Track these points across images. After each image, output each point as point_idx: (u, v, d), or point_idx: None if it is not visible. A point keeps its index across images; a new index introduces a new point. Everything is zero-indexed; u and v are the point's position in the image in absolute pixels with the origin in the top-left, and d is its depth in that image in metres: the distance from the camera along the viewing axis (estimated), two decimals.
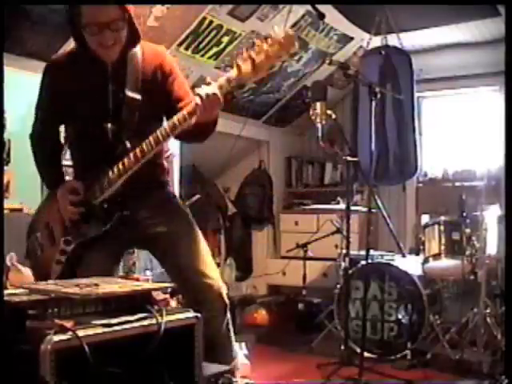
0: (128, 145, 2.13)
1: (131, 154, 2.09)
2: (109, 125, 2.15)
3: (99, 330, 1.40)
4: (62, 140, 2.42)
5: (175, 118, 2.04)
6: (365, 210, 4.07)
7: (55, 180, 2.27)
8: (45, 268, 2.24)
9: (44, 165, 2.30)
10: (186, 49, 4.08)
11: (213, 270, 2.22)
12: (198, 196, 4.36)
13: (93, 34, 2.04)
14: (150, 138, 2.06)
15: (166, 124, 2.09)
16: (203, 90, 1.98)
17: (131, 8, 2.13)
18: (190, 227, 2.27)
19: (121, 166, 2.09)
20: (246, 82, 2.03)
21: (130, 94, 2.15)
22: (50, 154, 2.30)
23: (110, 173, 2.11)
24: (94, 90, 2.15)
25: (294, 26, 4.50)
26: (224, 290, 2.21)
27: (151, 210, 2.24)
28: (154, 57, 2.23)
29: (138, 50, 2.20)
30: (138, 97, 2.16)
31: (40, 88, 2.26)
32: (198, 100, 1.98)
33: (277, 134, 5.78)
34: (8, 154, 3.62)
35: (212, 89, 1.99)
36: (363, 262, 3.91)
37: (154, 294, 1.67)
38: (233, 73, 1.99)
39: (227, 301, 2.22)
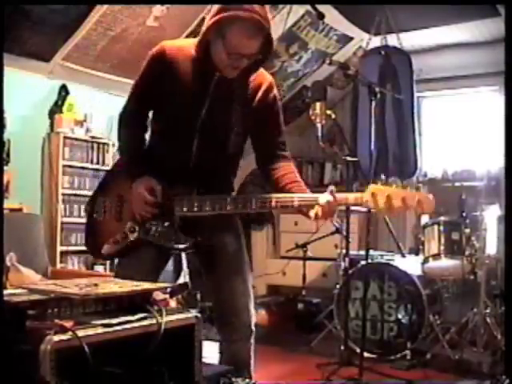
0: (221, 175, 2.14)
1: (232, 201, 2.03)
2: (196, 140, 2.10)
3: (99, 330, 1.40)
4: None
5: (293, 201, 2.01)
6: (365, 210, 4.07)
7: (135, 157, 2.20)
8: (100, 236, 2.23)
9: (127, 143, 2.23)
10: None
11: (251, 297, 2.27)
12: None
13: (231, 59, 1.99)
14: (257, 202, 2.01)
15: (278, 197, 2.02)
16: (324, 199, 1.97)
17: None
18: (244, 247, 2.28)
19: (218, 204, 2.03)
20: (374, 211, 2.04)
21: (232, 122, 2.10)
22: (134, 134, 2.24)
23: (206, 201, 2.05)
24: (192, 95, 2.08)
25: (293, 25, 4.50)
26: (254, 319, 2.28)
27: (219, 228, 2.21)
28: (261, 83, 2.15)
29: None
30: (239, 128, 2.12)
31: (143, 69, 2.14)
32: (316, 210, 1.97)
33: None
34: (8, 154, 3.63)
35: (331, 200, 1.97)
36: (363, 262, 3.90)
37: (154, 294, 1.67)
38: (366, 197, 1.95)
39: (254, 328, 2.28)
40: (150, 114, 2.26)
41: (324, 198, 1.98)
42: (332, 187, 2.01)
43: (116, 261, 2.38)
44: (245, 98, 2.12)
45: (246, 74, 2.10)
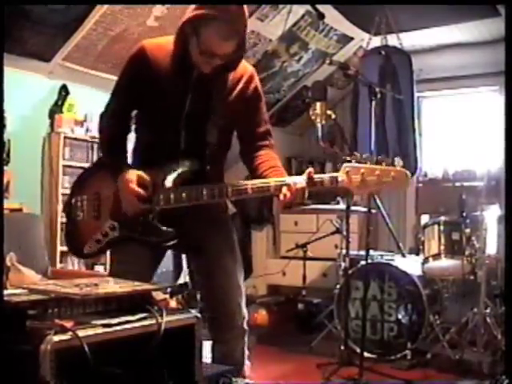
0: (208, 168, 2.11)
1: (208, 191, 2.02)
2: (183, 134, 2.11)
3: (99, 330, 1.40)
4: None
5: (269, 186, 1.99)
6: (365, 210, 4.07)
7: (119, 154, 2.19)
8: (80, 236, 2.22)
9: (110, 142, 2.21)
10: None
11: (242, 296, 2.24)
12: None
13: (203, 57, 1.99)
14: (232, 188, 2.01)
15: (253, 183, 2.02)
16: (294, 181, 1.96)
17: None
18: (236, 248, 2.26)
19: (194, 194, 2.03)
20: (349, 192, 2.03)
21: (215, 114, 2.11)
22: (117, 134, 2.22)
23: (182, 192, 2.04)
24: (175, 90, 2.09)
25: (293, 26, 4.50)
26: (246, 318, 2.24)
27: (203, 222, 2.19)
28: (242, 74, 2.16)
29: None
30: (222, 120, 2.12)
31: (124, 67, 2.16)
32: (285, 191, 1.95)
33: (277, 133, 5.71)
34: (8, 154, 3.62)
35: (302, 182, 1.97)
36: (363, 262, 3.90)
37: (154, 294, 1.67)
38: (342, 177, 1.96)
39: (246, 327, 2.24)
40: (133, 113, 2.26)
41: (292, 179, 1.98)
42: (311, 169, 2.01)
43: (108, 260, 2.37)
44: (226, 89, 2.12)
45: (224, 71, 2.10)
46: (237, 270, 2.24)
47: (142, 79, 2.10)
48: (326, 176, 2.01)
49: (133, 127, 2.28)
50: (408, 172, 1.99)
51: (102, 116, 2.27)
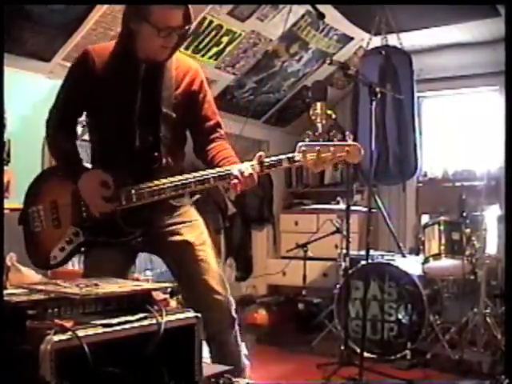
0: (164, 162, 2.13)
1: (170, 184, 2.05)
2: (137, 131, 2.13)
3: (99, 330, 1.40)
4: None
5: (215, 174, 2.06)
6: (365, 210, 4.07)
7: (74, 158, 2.19)
8: (42, 248, 2.21)
9: (61, 148, 2.22)
10: (186, 49, 4.08)
11: (223, 285, 2.23)
12: (197, 196, 4.36)
13: (162, 36, 2.03)
14: (194, 178, 2.05)
15: (214, 172, 2.07)
16: (240, 169, 2.02)
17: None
18: (204, 239, 2.26)
19: (156, 188, 2.05)
20: (306, 168, 2.12)
21: (165, 107, 2.14)
22: (67, 139, 2.22)
23: (143, 188, 2.06)
24: (124, 89, 2.12)
25: (294, 25, 4.50)
26: (233, 306, 2.23)
27: (170, 219, 2.22)
28: (187, 70, 2.21)
29: (173, 58, 2.19)
30: (173, 114, 2.15)
31: (68, 73, 2.20)
32: (234, 181, 2.01)
33: (277, 133, 5.78)
34: (8, 154, 3.62)
35: (248, 169, 2.02)
36: (363, 262, 3.90)
37: (154, 294, 1.67)
38: (298, 156, 2.04)
39: (235, 315, 2.24)
40: (83, 117, 2.28)
41: (237, 167, 2.03)
42: (261, 153, 2.07)
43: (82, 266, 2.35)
44: (173, 84, 2.16)
45: (171, 54, 2.14)
46: (212, 260, 2.23)
47: (88, 81, 2.12)
48: (283, 156, 2.07)
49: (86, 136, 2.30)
50: (359, 146, 2.08)
51: (48, 121, 2.25)
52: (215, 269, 2.22)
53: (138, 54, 2.12)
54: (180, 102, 2.17)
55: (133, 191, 2.07)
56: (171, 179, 2.07)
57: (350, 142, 2.12)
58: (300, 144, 2.05)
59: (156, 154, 2.12)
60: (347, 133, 2.15)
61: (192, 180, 2.05)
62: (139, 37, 2.07)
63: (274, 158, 2.06)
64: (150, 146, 2.13)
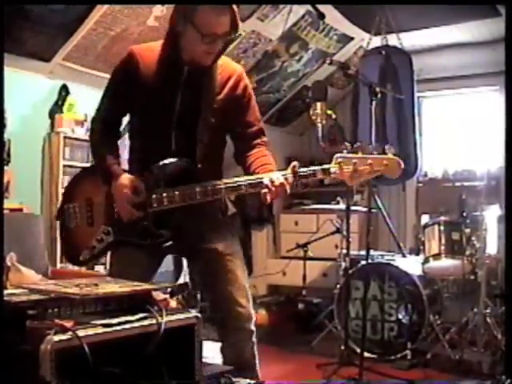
0: (199, 166, 2.09)
1: (201, 189, 2.02)
2: (174, 134, 2.11)
3: (99, 330, 1.40)
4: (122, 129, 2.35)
5: (250, 182, 2.01)
6: (365, 210, 4.07)
7: (111, 159, 2.16)
8: (75, 243, 2.23)
9: (102, 147, 2.20)
10: None
11: (246, 297, 2.23)
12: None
13: (205, 42, 1.99)
14: (225, 184, 2.02)
15: (243, 180, 2.03)
16: (271, 178, 1.96)
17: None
18: (234, 250, 2.25)
19: (188, 192, 2.03)
20: (343, 181, 2.02)
21: (205, 112, 2.10)
22: (108, 140, 2.21)
23: (175, 192, 2.04)
24: (165, 91, 2.10)
25: (294, 25, 4.50)
26: (253, 319, 2.25)
27: (202, 224, 2.19)
28: (231, 74, 2.16)
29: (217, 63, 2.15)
30: (213, 118, 2.11)
31: (113, 74, 2.18)
32: (264, 190, 1.96)
33: (277, 133, 5.77)
34: (8, 154, 3.62)
35: (280, 179, 1.96)
36: (363, 262, 3.90)
37: (154, 294, 1.67)
38: (334, 168, 1.96)
39: (253, 328, 2.25)
40: (126, 118, 2.27)
41: (269, 176, 1.97)
42: (295, 163, 2.00)
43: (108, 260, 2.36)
44: (215, 88, 2.12)
45: (216, 59, 2.10)
46: (240, 271, 2.22)
47: (131, 83, 2.11)
48: (318, 168, 2.00)
49: (127, 135, 2.29)
50: (399, 160, 2.00)
51: (93, 121, 2.27)
52: (241, 281, 2.22)
53: (183, 57, 2.08)
54: (221, 107, 2.13)
55: (164, 194, 2.05)
56: (204, 184, 2.04)
57: (389, 155, 2.01)
58: (337, 155, 1.97)
59: (191, 158, 2.09)
60: (387, 146, 2.03)
61: (223, 187, 2.02)
62: (184, 39, 2.04)
63: (308, 169, 1.99)
64: (185, 150, 2.10)
